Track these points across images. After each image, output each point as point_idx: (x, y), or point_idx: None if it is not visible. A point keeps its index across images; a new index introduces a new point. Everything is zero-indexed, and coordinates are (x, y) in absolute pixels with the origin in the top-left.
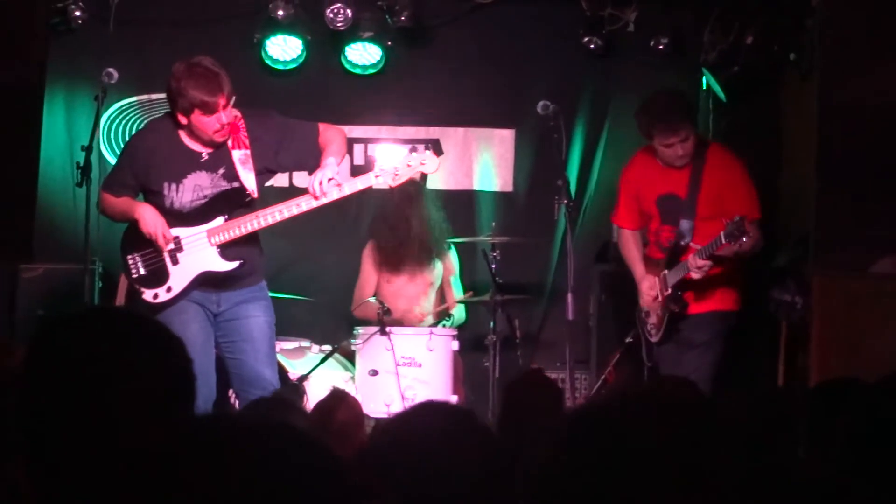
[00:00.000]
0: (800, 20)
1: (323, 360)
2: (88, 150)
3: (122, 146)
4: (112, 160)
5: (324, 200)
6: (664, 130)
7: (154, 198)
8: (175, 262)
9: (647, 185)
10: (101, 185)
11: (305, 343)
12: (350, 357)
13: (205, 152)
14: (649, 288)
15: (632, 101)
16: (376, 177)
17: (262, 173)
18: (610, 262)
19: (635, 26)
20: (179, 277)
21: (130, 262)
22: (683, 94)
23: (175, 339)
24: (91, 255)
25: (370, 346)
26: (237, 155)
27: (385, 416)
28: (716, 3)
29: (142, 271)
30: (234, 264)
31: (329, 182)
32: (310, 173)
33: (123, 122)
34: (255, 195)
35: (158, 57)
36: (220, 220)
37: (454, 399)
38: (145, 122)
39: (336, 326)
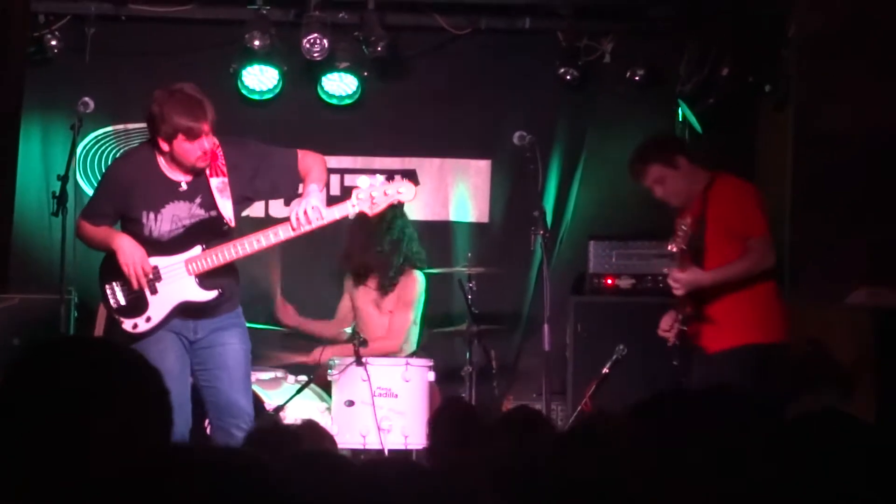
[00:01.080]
0: (774, 51)
1: (299, 391)
2: (64, 179)
3: (101, 174)
4: (88, 190)
5: (302, 230)
6: (632, 176)
7: (132, 226)
8: (154, 291)
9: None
10: (80, 213)
11: (281, 373)
12: (326, 387)
13: (183, 181)
14: (665, 323)
15: (608, 131)
16: (353, 206)
17: (240, 201)
18: (586, 293)
19: (611, 57)
20: (159, 307)
21: (109, 291)
22: (655, 136)
23: (152, 369)
24: (67, 285)
25: (346, 377)
26: (215, 183)
27: (361, 446)
28: (691, 34)
29: (121, 301)
30: (213, 294)
31: (312, 210)
32: (286, 201)
33: (99, 151)
34: (233, 224)
35: (134, 86)
36: (197, 250)
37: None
38: (123, 150)
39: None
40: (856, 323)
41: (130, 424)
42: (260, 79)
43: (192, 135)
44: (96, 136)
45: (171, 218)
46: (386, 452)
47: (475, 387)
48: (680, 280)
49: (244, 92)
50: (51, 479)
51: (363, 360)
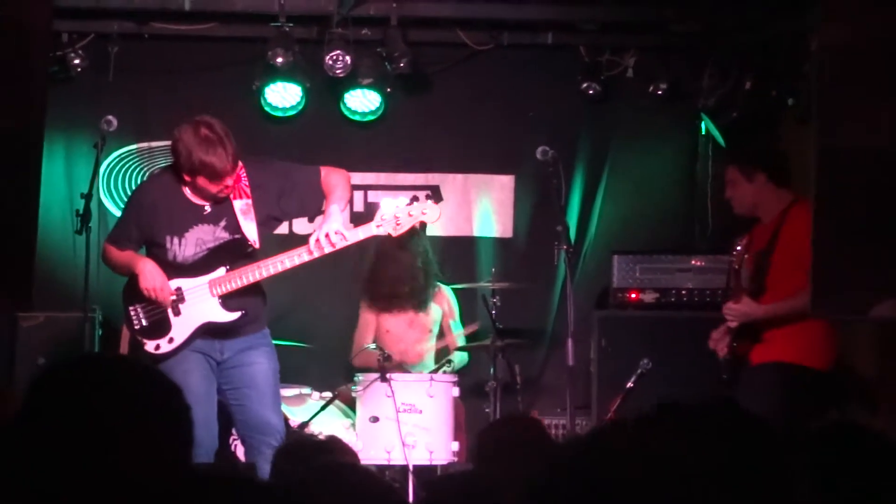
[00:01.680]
0: (797, 65)
1: (323, 407)
2: (88, 197)
3: (127, 199)
4: (112, 208)
5: (325, 252)
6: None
7: (157, 250)
8: (177, 313)
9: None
10: (107, 238)
11: (306, 390)
12: (351, 404)
13: (207, 206)
14: (716, 334)
15: (631, 146)
16: (377, 226)
17: (266, 222)
18: (609, 307)
19: (634, 72)
20: (181, 328)
21: (132, 313)
22: (759, 145)
23: (172, 385)
24: (91, 304)
25: (370, 393)
26: (238, 205)
27: (386, 462)
28: (714, 48)
29: (143, 322)
30: (236, 315)
31: (336, 235)
32: (310, 219)
33: (123, 169)
34: (257, 246)
35: (158, 105)
36: (221, 271)
37: (455, 446)
38: (148, 172)
39: (336, 373)
40: (881, 336)
41: (152, 440)
42: (283, 95)
43: (216, 178)
44: (120, 155)
45: (195, 241)
46: (411, 468)
47: (499, 402)
48: (734, 312)
49: (267, 109)
50: (72, 496)
51: (387, 376)
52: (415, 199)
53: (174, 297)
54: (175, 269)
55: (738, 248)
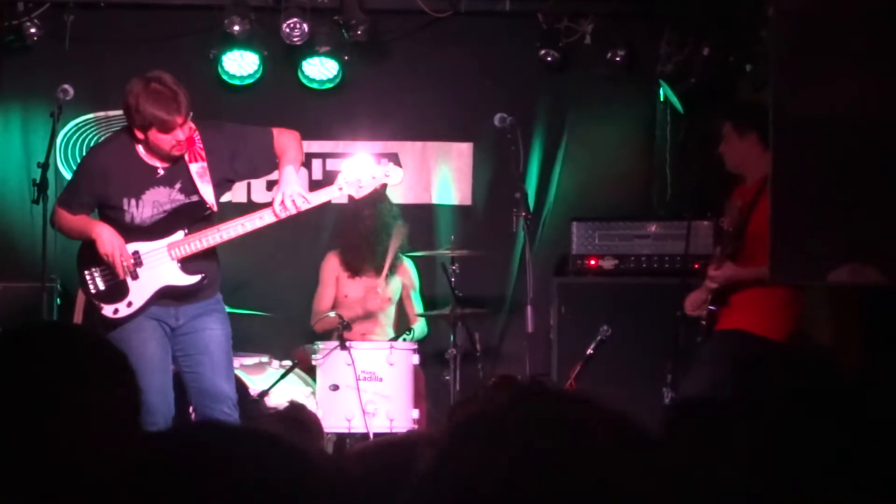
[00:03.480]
0: (755, 31)
1: (283, 376)
2: (45, 167)
3: (79, 162)
4: (69, 177)
5: (287, 214)
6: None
7: (113, 213)
8: (135, 276)
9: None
10: (57, 201)
11: (265, 359)
12: (311, 372)
13: (161, 167)
14: (691, 303)
15: (589, 113)
16: (339, 189)
17: (221, 184)
18: (569, 274)
19: (592, 39)
20: (140, 292)
21: (88, 277)
22: (753, 102)
23: (117, 352)
24: (49, 273)
25: (330, 361)
26: (194, 168)
27: (346, 430)
28: (671, 15)
29: (100, 286)
30: (196, 278)
31: (298, 196)
32: (268, 182)
33: (80, 138)
34: (215, 209)
35: (114, 73)
36: (180, 235)
37: (415, 413)
38: (101, 137)
39: (297, 341)
40: (839, 301)
41: (96, 406)
42: (240, 64)
43: (166, 127)
44: (77, 124)
45: (151, 203)
46: (371, 436)
47: (459, 370)
48: (716, 277)
49: (224, 77)
50: (27, 465)
51: (347, 344)
52: (377, 161)
53: (132, 261)
54: (132, 231)
55: (737, 207)
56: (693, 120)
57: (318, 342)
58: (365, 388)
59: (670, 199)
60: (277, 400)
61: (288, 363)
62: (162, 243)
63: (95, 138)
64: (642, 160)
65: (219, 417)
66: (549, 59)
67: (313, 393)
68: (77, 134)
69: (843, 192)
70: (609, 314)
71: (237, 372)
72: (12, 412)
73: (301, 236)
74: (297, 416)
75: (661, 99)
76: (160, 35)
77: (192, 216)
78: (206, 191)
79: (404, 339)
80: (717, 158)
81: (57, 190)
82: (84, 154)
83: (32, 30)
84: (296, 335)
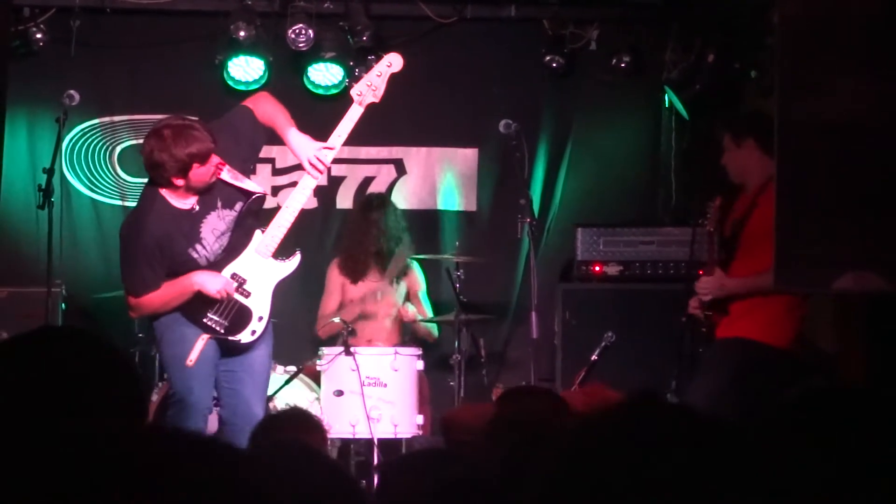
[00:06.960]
0: (760, 37)
1: (288, 381)
2: (50, 172)
3: (123, 251)
4: (75, 183)
5: (325, 169)
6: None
7: (186, 266)
8: (247, 294)
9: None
10: (132, 293)
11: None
12: (315, 377)
13: (194, 202)
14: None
15: (594, 119)
16: (360, 104)
17: (245, 172)
18: (573, 280)
19: (597, 45)
20: (260, 304)
21: (209, 323)
22: (752, 111)
23: (122, 354)
24: (55, 278)
25: (335, 367)
26: (226, 176)
27: (350, 436)
28: (677, 21)
29: (225, 323)
30: (296, 256)
31: (322, 152)
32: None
33: (85, 144)
34: (266, 192)
35: (120, 79)
36: (258, 235)
37: (420, 419)
38: (127, 217)
39: (301, 347)
40: (844, 309)
41: (101, 406)
42: (246, 70)
43: (205, 158)
44: (82, 129)
45: (211, 235)
46: (375, 442)
47: (464, 376)
48: (707, 287)
49: (230, 83)
50: (31, 465)
51: (352, 349)
52: (375, 60)
53: (237, 284)
54: (214, 266)
55: (708, 215)
56: (698, 126)
57: (323, 348)
58: (369, 393)
59: (675, 205)
60: (282, 405)
61: (292, 368)
62: (249, 253)
63: (101, 144)
64: (647, 166)
65: (241, 437)
66: (554, 65)
67: (318, 398)
68: (83, 139)
69: (848, 199)
70: (614, 320)
71: None
72: (29, 413)
73: (306, 241)
74: (303, 418)
75: (667, 105)
76: (166, 41)
77: (254, 214)
78: (247, 184)
79: (427, 326)
80: (721, 166)
81: (62, 195)
82: (122, 239)
83: (38, 35)
84: (301, 340)
